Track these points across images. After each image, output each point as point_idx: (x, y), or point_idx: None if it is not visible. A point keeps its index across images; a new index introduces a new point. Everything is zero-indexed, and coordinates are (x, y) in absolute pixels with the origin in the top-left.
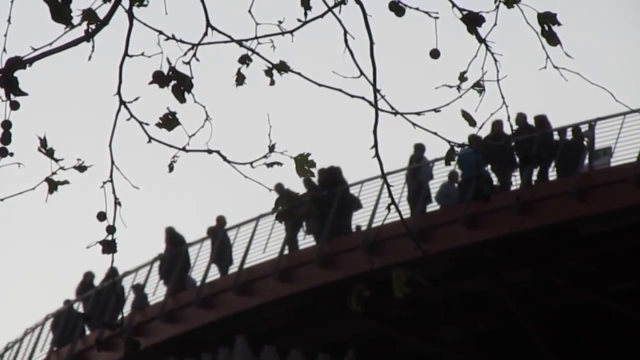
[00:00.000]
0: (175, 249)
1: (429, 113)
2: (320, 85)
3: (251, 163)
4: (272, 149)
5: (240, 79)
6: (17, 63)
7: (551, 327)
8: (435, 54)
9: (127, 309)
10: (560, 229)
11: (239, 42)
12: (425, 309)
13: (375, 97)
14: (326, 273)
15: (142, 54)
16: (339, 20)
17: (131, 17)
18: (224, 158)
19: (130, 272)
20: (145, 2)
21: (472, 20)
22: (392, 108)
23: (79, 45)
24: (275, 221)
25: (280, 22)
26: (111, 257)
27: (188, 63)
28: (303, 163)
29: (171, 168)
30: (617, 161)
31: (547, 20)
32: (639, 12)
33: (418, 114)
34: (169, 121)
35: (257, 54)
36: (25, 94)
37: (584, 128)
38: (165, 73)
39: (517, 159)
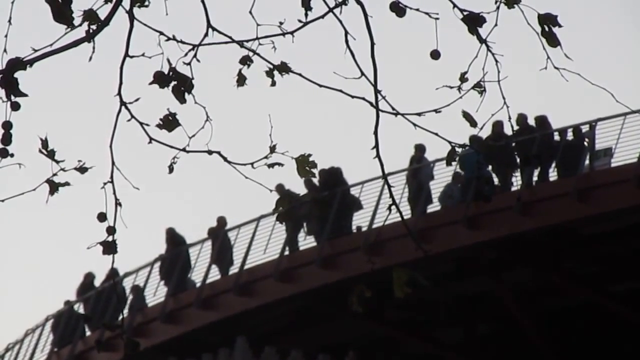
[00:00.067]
0: (176, 250)
1: (430, 114)
2: (321, 86)
3: (252, 164)
4: (273, 149)
5: (241, 80)
6: (18, 64)
7: (552, 328)
8: (435, 54)
9: (126, 310)
10: (560, 229)
11: (240, 43)
12: (425, 310)
13: (376, 97)
14: (327, 274)
15: (143, 55)
16: (340, 21)
17: (132, 17)
18: (225, 159)
19: (130, 273)
20: (146, 3)
21: (473, 21)
22: (393, 109)
23: (79, 46)
24: (276, 222)
25: (281, 23)
26: (112, 258)
27: (189, 64)
28: (304, 164)
29: (171, 169)
30: (618, 162)
31: (547, 21)
32: (639, 12)
33: (419, 114)
34: (170, 122)
35: (258, 54)
36: (26, 95)
37: (585, 129)
38: (166, 74)
39: (518, 160)
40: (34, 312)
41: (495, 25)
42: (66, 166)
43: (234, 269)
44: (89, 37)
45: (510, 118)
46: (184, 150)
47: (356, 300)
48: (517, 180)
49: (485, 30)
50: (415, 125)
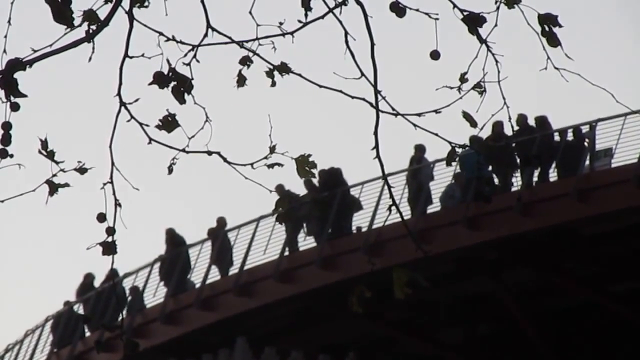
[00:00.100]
0: (176, 250)
1: (430, 114)
2: (321, 86)
3: (252, 164)
4: (272, 150)
5: (241, 80)
6: (18, 64)
7: (552, 328)
8: (435, 55)
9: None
10: (561, 230)
11: (240, 44)
12: (426, 310)
13: (376, 98)
14: (327, 274)
15: (143, 55)
16: (340, 22)
17: (131, 18)
18: (225, 159)
19: (130, 274)
20: (145, 3)
21: (473, 21)
22: (393, 109)
23: (79, 47)
24: (276, 222)
25: (280, 24)
26: (111, 259)
27: (188, 64)
28: (304, 164)
29: (171, 169)
30: (618, 162)
31: (547, 21)
32: (639, 12)
33: (419, 115)
34: (169, 123)
35: (258, 55)
36: (25, 96)
37: (585, 129)
38: (166, 74)
39: (518, 160)
40: (33, 312)
41: (495, 25)
42: (66, 167)
43: (233, 270)
44: (89, 37)
45: (510, 118)
46: (183, 150)
47: (356, 300)
48: (517, 181)
49: (485, 30)
50: (415, 125)
